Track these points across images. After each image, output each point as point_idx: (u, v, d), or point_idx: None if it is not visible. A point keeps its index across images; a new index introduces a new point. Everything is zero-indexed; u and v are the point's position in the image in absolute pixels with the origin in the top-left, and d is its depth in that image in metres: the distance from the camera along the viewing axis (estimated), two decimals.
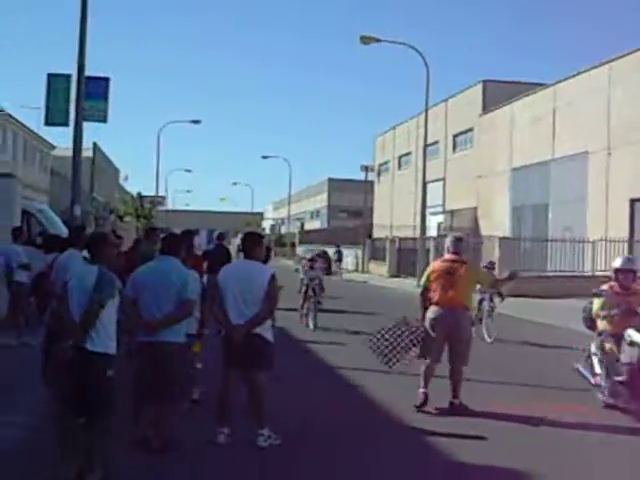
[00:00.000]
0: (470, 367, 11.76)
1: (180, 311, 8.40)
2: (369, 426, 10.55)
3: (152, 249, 12.62)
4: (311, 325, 20.47)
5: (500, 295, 19.64)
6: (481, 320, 19.18)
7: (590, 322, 12.19)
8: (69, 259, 11.53)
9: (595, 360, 11.74)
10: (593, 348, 11.84)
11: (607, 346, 11.46)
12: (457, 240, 11.94)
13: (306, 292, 21.28)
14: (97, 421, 7.43)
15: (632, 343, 10.83)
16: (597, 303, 11.80)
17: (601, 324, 11.73)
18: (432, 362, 11.51)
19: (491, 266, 20.61)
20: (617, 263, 11.98)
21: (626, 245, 35.68)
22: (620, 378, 10.90)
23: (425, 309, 11.62)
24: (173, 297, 8.42)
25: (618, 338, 11.23)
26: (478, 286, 15.42)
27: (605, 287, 11.81)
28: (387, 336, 11.88)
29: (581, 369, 12.06)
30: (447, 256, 11.78)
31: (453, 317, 11.32)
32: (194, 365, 10.62)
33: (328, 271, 27.43)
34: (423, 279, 12.01)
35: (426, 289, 11.67)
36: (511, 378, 14.09)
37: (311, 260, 22.28)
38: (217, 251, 20.00)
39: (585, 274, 34.92)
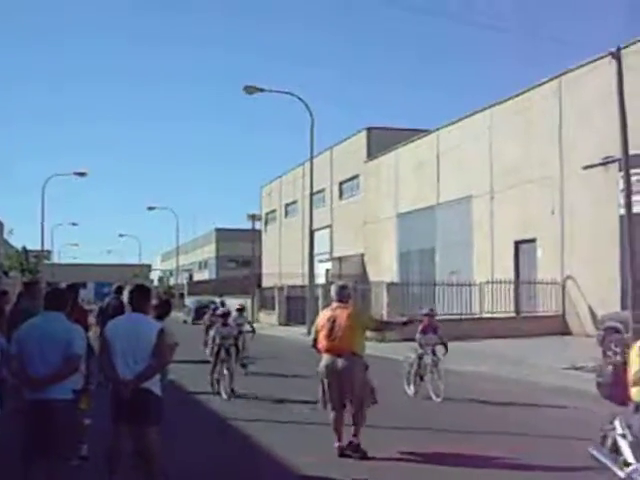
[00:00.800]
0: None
1: (67, 367, 8.10)
2: (262, 477, 10.45)
3: (33, 304, 12.19)
4: (224, 394, 17.17)
5: (444, 345, 17.01)
6: (422, 377, 16.97)
7: (614, 390, 8.30)
8: None
9: (624, 444, 7.92)
10: (619, 427, 8.01)
11: None
12: (341, 288, 11.97)
13: (218, 353, 18.02)
14: None
15: None
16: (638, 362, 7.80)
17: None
18: (335, 411, 11.45)
19: (432, 313, 17.68)
20: None
21: (512, 286, 36.23)
22: None
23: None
24: (59, 353, 8.10)
25: None
26: (424, 338, 15.53)
27: None
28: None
29: (599, 456, 8.27)
30: (332, 304, 11.81)
31: (342, 363, 11.30)
32: (82, 421, 10.26)
33: (252, 329, 23.38)
34: (312, 330, 12.09)
35: (315, 340, 11.73)
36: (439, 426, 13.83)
37: (223, 316, 18.98)
38: (114, 305, 19.54)
39: (473, 316, 35.34)
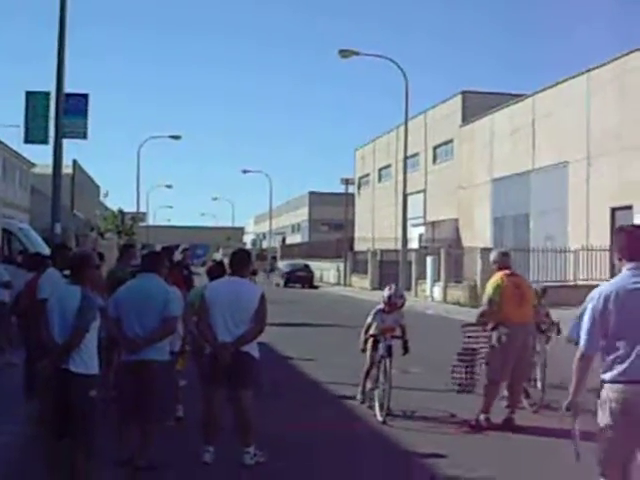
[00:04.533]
0: None
1: (164, 329, 8.30)
2: (357, 441, 10.49)
3: (126, 270, 12.34)
4: (378, 414, 11.47)
5: None
6: None
7: None
8: (50, 278, 11.40)
9: None
10: None
11: None
12: (504, 255, 11.65)
13: (374, 349, 12.11)
14: (81, 442, 7.36)
15: None
16: None
17: None
18: (500, 382, 11.07)
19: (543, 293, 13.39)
20: None
21: (607, 254, 35.72)
22: None
23: (496, 325, 11.05)
24: (156, 315, 8.32)
25: None
26: None
27: None
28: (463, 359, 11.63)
29: None
30: (507, 271, 11.30)
31: (526, 333, 11.10)
32: (177, 382, 10.54)
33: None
34: (490, 294, 11.14)
35: (494, 305, 11.07)
36: None
37: (390, 301, 12.24)
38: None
39: (568, 283, 35.01)
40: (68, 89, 21.98)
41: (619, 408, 5.64)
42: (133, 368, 8.30)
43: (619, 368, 5.68)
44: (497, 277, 11.22)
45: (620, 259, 6.02)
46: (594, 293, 5.83)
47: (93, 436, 7.43)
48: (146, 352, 8.24)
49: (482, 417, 10.93)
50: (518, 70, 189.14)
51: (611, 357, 5.75)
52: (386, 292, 12.46)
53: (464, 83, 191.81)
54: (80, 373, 7.30)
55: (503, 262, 11.39)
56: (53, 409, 7.36)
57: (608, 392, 5.72)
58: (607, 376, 5.75)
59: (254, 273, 15.07)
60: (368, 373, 12.24)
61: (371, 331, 12.21)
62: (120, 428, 8.41)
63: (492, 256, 11.76)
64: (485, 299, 11.29)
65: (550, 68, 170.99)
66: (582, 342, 5.80)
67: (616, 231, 6.32)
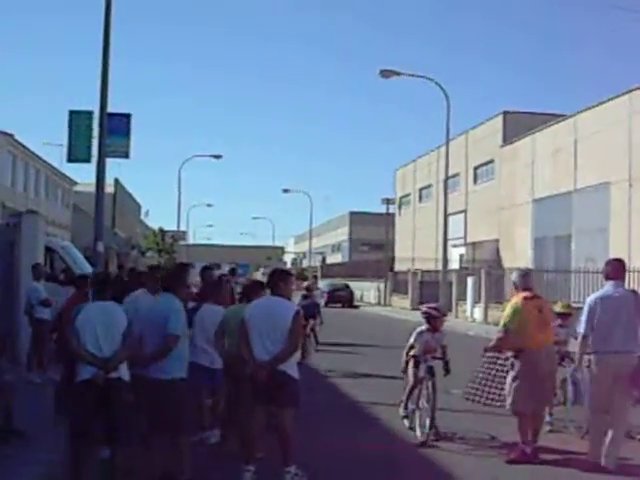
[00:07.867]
0: None
1: (163, 347, 8.41)
2: (398, 462, 10.49)
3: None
4: (418, 432, 11.57)
5: None
6: None
7: None
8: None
9: None
10: None
11: None
12: (526, 275, 11.13)
13: (416, 367, 11.98)
14: (121, 449, 7.65)
15: None
16: None
17: None
18: (527, 413, 10.50)
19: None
20: None
21: None
22: None
23: (517, 352, 10.53)
24: (159, 332, 8.45)
25: None
26: None
27: None
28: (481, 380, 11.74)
29: None
30: (527, 293, 10.71)
31: (551, 356, 10.76)
32: (219, 402, 10.59)
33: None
34: (507, 321, 10.57)
35: (509, 332, 10.54)
36: None
37: (432, 318, 12.27)
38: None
39: None
40: (111, 107, 22.06)
41: (603, 367, 9.65)
42: (137, 383, 8.38)
43: (602, 343, 9.68)
44: (515, 301, 10.73)
45: (605, 278, 10.22)
46: (588, 299, 10.07)
47: (130, 443, 7.91)
48: (152, 369, 8.39)
49: (523, 447, 10.39)
50: (560, 87, 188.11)
51: (598, 337, 9.75)
52: (424, 308, 12.50)
53: (505, 98, 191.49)
54: (121, 379, 7.94)
55: (524, 283, 10.90)
56: (95, 417, 7.84)
57: (597, 358, 9.70)
58: (595, 348, 9.72)
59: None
60: (411, 392, 12.04)
61: (412, 352, 12.09)
62: (147, 442, 8.59)
63: (512, 277, 11.34)
64: (501, 325, 10.76)
65: (593, 85, 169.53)
66: (582, 328, 9.83)
67: (605, 262, 10.61)
